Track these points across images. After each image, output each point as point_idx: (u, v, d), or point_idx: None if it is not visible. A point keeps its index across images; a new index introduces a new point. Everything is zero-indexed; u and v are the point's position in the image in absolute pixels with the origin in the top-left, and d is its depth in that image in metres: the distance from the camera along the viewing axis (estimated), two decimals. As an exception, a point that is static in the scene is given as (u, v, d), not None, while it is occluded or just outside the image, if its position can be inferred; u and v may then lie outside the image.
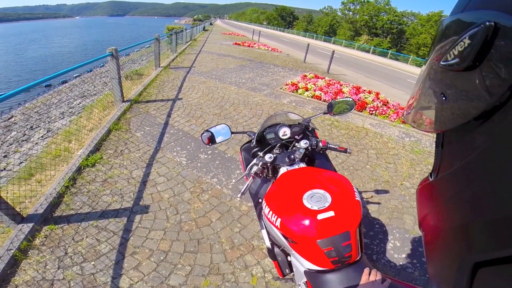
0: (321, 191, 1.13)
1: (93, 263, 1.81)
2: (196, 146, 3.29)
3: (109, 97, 4.81)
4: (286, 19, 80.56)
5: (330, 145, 1.48)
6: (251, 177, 1.33)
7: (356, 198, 1.11)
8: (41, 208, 2.18)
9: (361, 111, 5.19)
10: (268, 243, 1.38)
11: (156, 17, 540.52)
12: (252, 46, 14.46)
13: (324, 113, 1.69)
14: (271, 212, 1.12)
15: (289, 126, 1.52)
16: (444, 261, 0.31)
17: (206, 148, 3.21)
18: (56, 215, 2.17)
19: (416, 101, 0.36)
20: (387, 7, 43.06)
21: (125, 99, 4.57)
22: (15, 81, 17.67)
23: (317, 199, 1.10)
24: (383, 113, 5.17)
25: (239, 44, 14.90)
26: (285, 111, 2.17)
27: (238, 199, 2.48)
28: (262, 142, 1.57)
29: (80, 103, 8.56)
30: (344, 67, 11.88)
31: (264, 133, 1.55)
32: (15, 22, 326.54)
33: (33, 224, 2.03)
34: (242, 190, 1.28)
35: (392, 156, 3.57)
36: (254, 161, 1.40)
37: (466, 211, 0.27)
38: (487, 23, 0.23)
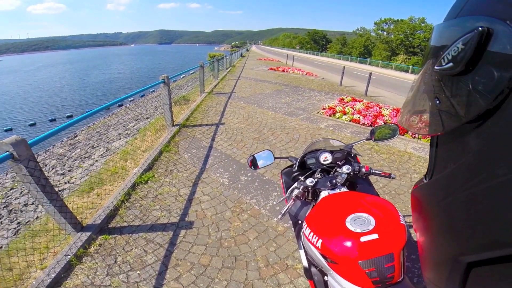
0: (365, 215, 1.16)
1: (138, 272, 2.01)
2: (237, 168, 3.52)
3: (160, 121, 5.37)
4: (319, 42, 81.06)
5: (373, 171, 1.50)
6: (291, 200, 1.40)
7: (401, 222, 1.13)
8: (98, 219, 2.48)
9: (403, 135, 5.06)
10: (305, 263, 1.42)
11: (197, 44, 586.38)
12: (286, 71, 14.95)
13: (367, 139, 1.71)
14: (312, 233, 1.17)
15: (330, 152, 1.59)
16: (437, 260, 0.32)
17: (246, 170, 3.44)
18: (111, 226, 2.46)
19: (411, 105, 0.36)
20: (422, 24, 41.48)
21: (174, 123, 5.08)
22: (78, 105, 20.32)
23: (360, 222, 1.14)
24: (426, 136, 4.97)
25: (274, 69, 15.52)
26: (327, 138, 2.29)
27: (277, 220, 2.61)
28: (303, 167, 1.66)
29: (135, 125, 9.54)
30: (382, 89, 11.62)
31: (305, 158, 1.64)
32: (81, 49, 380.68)
33: (90, 233, 2.31)
34: (282, 212, 1.36)
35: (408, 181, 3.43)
36: (295, 184, 1.47)
37: (459, 212, 0.28)
38: (480, 28, 0.24)
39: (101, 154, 7.58)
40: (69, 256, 2.08)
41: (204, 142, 4.35)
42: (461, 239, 0.27)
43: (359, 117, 5.47)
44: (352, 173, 1.49)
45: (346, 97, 7.43)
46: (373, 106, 6.49)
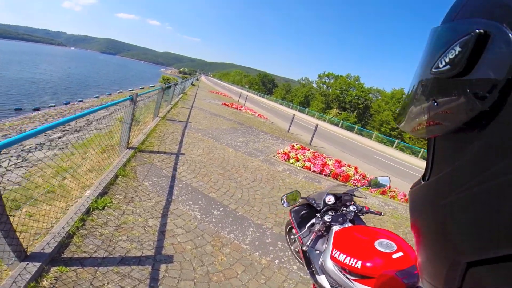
0: (386, 240, 1.51)
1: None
2: (207, 202, 3.48)
3: (104, 139, 4.86)
4: (266, 85, 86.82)
5: (370, 210, 1.93)
6: (313, 233, 1.69)
7: (408, 243, 1.51)
8: (48, 247, 2.10)
9: (345, 183, 5.82)
10: (328, 286, 1.66)
11: (143, 62, 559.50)
12: (239, 109, 15.68)
13: (366, 187, 2.19)
14: (348, 257, 1.45)
15: (333, 194, 1.95)
16: (435, 261, 0.32)
17: (217, 204, 3.45)
18: (65, 256, 2.12)
19: (408, 107, 0.36)
20: (356, 82, 46.87)
21: (129, 146, 4.72)
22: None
23: (386, 245, 1.47)
24: (364, 185, 5.85)
25: (227, 105, 16.07)
26: (331, 184, 2.68)
27: (259, 254, 2.74)
28: (310, 206, 2.00)
29: (62, 137, 8.30)
30: (321, 140, 13.18)
31: (310, 200, 2.01)
32: (11, 40, 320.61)
33: (40, 263, 1.93)
34: (307, 243, 1.66)
35: (378, 220, 4.15)
36: (313, 220, 1.79)
37: (457, 213, 0.28)
38: (477, 31, 0.24)
39: (15, 163, 6.25)
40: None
41: (165, 171, 4.15)
42: (458, 239, 0.28)
43: (310, 165, 6.09)
44: (357, 211, 1.87)
45: (296, 144, 8.21)
46: (319, 155, 7.32)
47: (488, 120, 0.25)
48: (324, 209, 1.88)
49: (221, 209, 3.38)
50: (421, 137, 0.36)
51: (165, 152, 5.01)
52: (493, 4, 0.27)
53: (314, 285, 1.93)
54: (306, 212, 2.07)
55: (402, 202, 5.60)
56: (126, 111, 4.45)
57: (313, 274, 1.81)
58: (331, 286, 1.64)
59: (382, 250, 1.43)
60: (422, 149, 24.94)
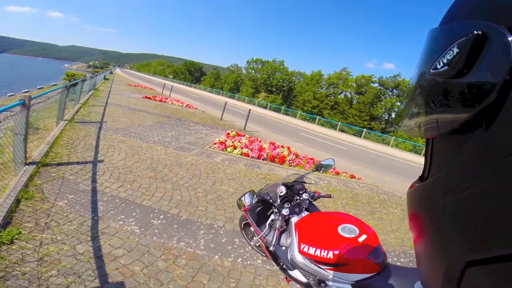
0: (348, 225, 1.53)
1: None
2: (143, 212, 3.02)
3: None
4: (194, 74, 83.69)
5: (321, 194, 1.94)
6: (276, 230, 1.61)
7: (366, 224, 1.57)
8: None
9: (282, 164, 6.01)
10: (305, 280, 1.62)
11: (40, 58, 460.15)
12: (164, 101, 14.46)
13: (313, 171, 2.14)
14: (318, 250, 1.43)
15: (284, 185, 1.87)
16: (433, 261, 0.32)
17: (156, 213, 3.03)
18: None
19: (406, 108, 0.37)
20: (281, 66, 50.52)
21: (28, 161, 3.73)
22: None
23: (349, 230, 1.50)
24: (299, 164, 6.17)
25: (149, 98, 14.61)
26: (283, 176, 2.55)
27: (219, 256, 2.53)
28: (264, 201, 1.89)
29: None
30: (254, 124, 13.36)
31: (261, 195, 1.92)
32: None
33: None
34: (273, 242, 1.56)
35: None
36: (273, 217, 1.71)
37: (455, 213, 0.28)
38: (475, 32, 0.24)
39: None
40: None
41: (81, 185, 3.43)
42: (456, 239, 0.28)
43: (247, 151, 6.04)
44: (310, 198, 1.85)
45: (231, 131, 8.05)
46: (254, 140, 7.36)
47: (486, 121, 0.25)
48: (280, 202, 1.80)
49: (161, 217, 2.99)
50: (419, 137, 0.36)
51: (78, 162, 4.16)
52: (491, 5, 0.27)
53: (287, 278, 1.90)
54: (261, 208, 1.96)
55: (333, 175, 6.12)
56: (17, 119, 3.45)
57: (284, 269, 1.76)
58: (306, 278, 1.63)
59: (347, 235, 1.46)
60: (339, 123, 28.33)
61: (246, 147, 6.35)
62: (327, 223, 1.58)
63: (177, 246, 2.56)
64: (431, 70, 0.30)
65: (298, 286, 1.74)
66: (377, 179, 7.32)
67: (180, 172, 4.32)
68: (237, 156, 5.89)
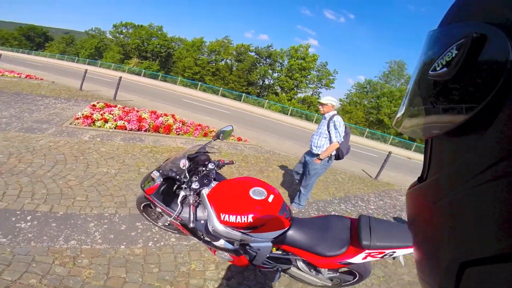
0: (257, 188, 1.63)
1: None
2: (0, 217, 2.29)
3: None
4: (34, 40, 63.61)
5: (225, 162, 1.98)
6: (192, 206, 1.58)
7: (269, 184, 1.74)
8: None
9: (169, 134, 5.77)
10: (231, 246, 1.67)
11: None
12: (-17, 70, 10.26)
13: (214, 139, 2.11)
14: (239, 216, 1.49)
15: (187, 158, 1.77)
16: (432, 261, 0.32)
17: (17, 215, 2.33)
18: None
19: (406, 109, 0.37)
20: (159, 32, 45.86)
21: None
22: None
23: (259, 192, 1.60)
24: (187, 131, 6.13)
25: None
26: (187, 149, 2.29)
27: (126, 245, 2.28)
28: (167, 178, 1.79)
29: None
30: (126, 92, 11.68)
31: (161, 170, 1.81)
32: None
33: None
34: (191, 219, 1.53)
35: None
36: (183, 193, 1.66)
37: (453, 214, 0.28)
38: (474, 34, 0.24)
39: None
40: None
41: None
42: (455, 239, 0.28)
43: (124, 123, 5.37)
44: (216, 167, 1.86)
45: (98, 102, 6.80)
46: (130, 110, 6.58)
47: (484, 122, 0.25)
48: (188, 177, 1.72)
49: (28, 218, 2.33)
50: (418, 137, 0.36)
51: None
52: (490, 7, 0.26)
53: (211, 249, 1.91)
54: (165, 186, 1.82)
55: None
56: None
57: (207, 242, 1.75)
58: (232, 245, 1.67)
59: (259, 198, 1.56)
60: (221, 88, 29.12)
61: (121, 118, 5.60)
62: (238, 189, 1.65)
63: (68, 247, 2.13)
64: (430, 72, 0.30)
65: (226, 253, 1.79)
66: (259, 139, 8.21)
67: (35, 160, 3.38)
68: (110, 130, 5.13)
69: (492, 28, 0.24)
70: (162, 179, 1.78)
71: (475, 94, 0.25)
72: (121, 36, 47.08)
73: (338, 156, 3.34)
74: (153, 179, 1.84)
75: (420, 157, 20.83)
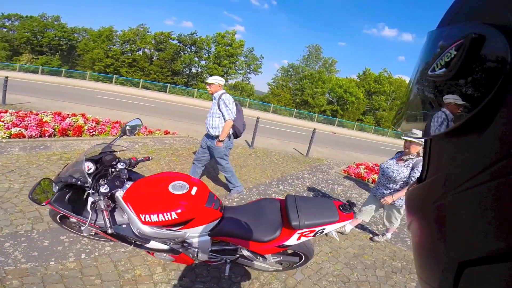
0: (176, 182, 1.54)
1: None
2: None
3: None
4: None
5: (138, 159, 1.84)
6: (104, 212, 1.44)
7: (189, 175, 1.66)
8: None
9: (80, 136, 5.19)
10: (166, 246, 1.59)
11: None
12: None
13: (120, 136, 1.93)
14: (160, 215, 1.40)
15: (89, 160, 1.64)
16: (431, 261, 0.32)
17: None
18: None
19: (405, 109, 0.37)
20: (56, 23, 38.75)
21: None
22: None
23: (179, 186, 1.52)
24: (103, 131, 5.60)
25: None
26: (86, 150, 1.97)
27: (60, 252, 2.14)
28: (69, 185, 1.60)
29: None
30: (18, 94, 9.68)
31: (63, 178, 1.59)
32: None
33: None
34: (108, 224, 1.41)
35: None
36: (92, 199, 1.49)
37: (451, 214, 0.28)
38: (473, 35, 0.24)
39: None
40: None
41: None
42: (453, 239, 0.28)
43: (20, 130, 4.57)
44: (128, 167, 1.71)
45: (-22, 109, 5.54)
46: (27, 114, 5.61)
47: (483, 122, 0.25)
48: (93, 181, 1.56)
49: None
50: (417, 138, 0.41)
51: None
52: (488, 8, 0.27)
53: (148, 252, 1.80)
54: (70, 194, 1.64)
55: (146, 135, 6.04)
56: None
57: (139, 245, 1.64)
58: (166, 244, 1.58)
59: (180, 192, 1.47)
60: (141, 80, 26.79)
61: (16, 125, 4.74)
62: (156, 186, 1.54)
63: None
64: (429, 72, 0.30)
65: (164, 254, 1.69)
66: (189, 130, 7.96)
67: None
68: (4, 141, 4.34)
69: (490, 29, 0.24)
70: (57, 187, 1.58)
71: (474, 95, 0.25)
72: (4, 30, 38.30)
73: (236, 134, 3.39)
74: (45, 189, 1.61)
75: (343, 131, 23.77)
